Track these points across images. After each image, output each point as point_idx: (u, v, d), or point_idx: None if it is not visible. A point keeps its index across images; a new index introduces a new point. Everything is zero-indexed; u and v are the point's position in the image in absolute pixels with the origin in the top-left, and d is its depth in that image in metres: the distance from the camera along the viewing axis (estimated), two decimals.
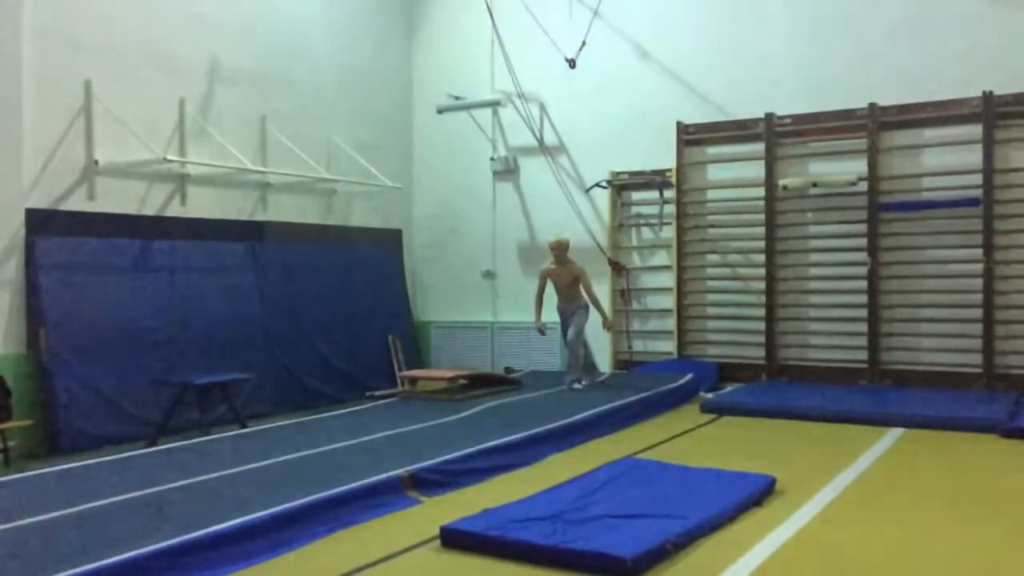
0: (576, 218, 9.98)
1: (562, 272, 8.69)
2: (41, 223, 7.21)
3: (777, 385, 9.09)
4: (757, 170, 9.42)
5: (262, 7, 9.31)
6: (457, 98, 10.93)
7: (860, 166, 8.92)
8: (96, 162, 7.60)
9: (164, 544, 3.90)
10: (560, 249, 8.66)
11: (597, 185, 10.21)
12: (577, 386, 8.49)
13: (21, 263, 7.07)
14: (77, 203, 7.52)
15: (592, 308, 8.69)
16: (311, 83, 9.89)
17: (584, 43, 9.54)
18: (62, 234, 7.35)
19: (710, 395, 8.61)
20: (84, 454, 6.48)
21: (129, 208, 7.93)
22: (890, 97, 8.79)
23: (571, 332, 8.63)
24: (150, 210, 8.13)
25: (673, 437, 6.99)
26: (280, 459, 5.68)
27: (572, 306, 8.72)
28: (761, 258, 9.41)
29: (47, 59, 7.26)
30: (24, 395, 6.90)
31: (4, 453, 6.58)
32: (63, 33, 7.41)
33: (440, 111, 10.90)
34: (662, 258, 10.06)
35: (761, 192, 9.37)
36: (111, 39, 7.78)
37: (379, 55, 11.00)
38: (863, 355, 8.92)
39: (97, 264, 7.56)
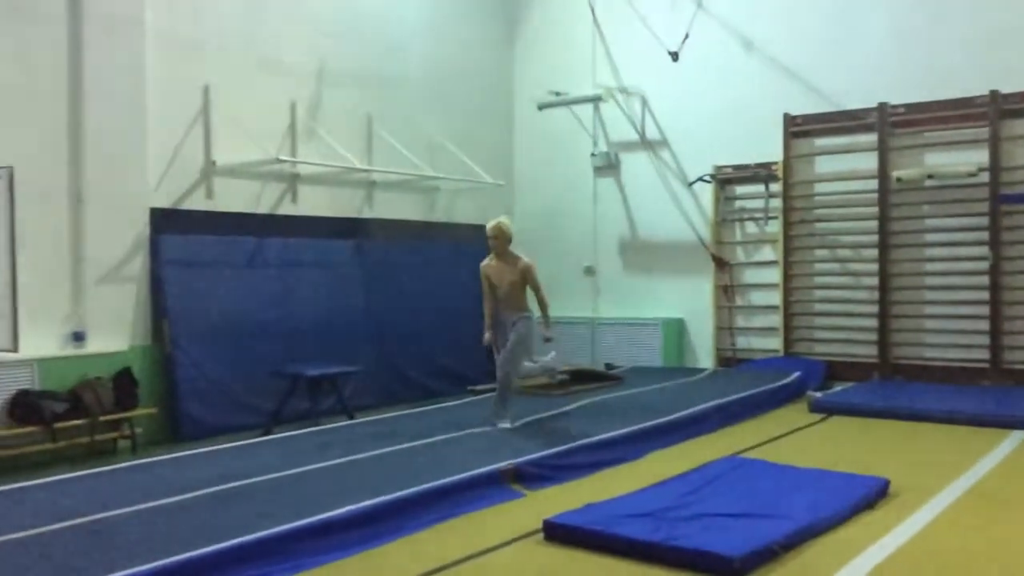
0: (678, 213, 9.87)
1: (502, 269, 6.62)
2: (164, 221, 7.59)
3: (891, 385, 8.76)
4: (869, 162, 9.10)
5: (365, 9, 9.52)
6: (558, 94, 10.94)
7: (980, 156, 8.51)
8: (214, 163, 7.96)
9: (275, 530, 4.04)
10: (499, 238, 6.64)
11: (700, 179, 10.06)
12: (505, 424, 6.50)
13: (147, 259, 7.46)
14: (197, 202, 7.89)
15: (543, 318, 6.78)
16: (414, 82, 10.06)
17: (687, 35, 9.41)
18: (183, 231, 7.71)
19: (819, 394, 8.37)
20: (204, 441, 6.79)
21: (244, 207, 8.26)
22: (1013, 84, 8.34)
23: (503, 353, 6.59)
24: (264, 208, 8.46)
25: (779, 436, 6.84)
26: (386, 450, 5.84)
27: (514, 315, 6.64)
28: (873, 253, 9.08)
29: (168, 64, 7.62)
30: (149, 385, 7.29)
31: (131, 440, 6.98)
32: (183, 39, 7.76)
33: (541, 107, 10.92)
34: (767, 253, 9.83)
35: (873, 185, 9.04)
36: (226, 45, 8.11)
37: (480, 53, 11.11)
38: (984, 354, 8.51)
39: (215, 260, 7.90)
